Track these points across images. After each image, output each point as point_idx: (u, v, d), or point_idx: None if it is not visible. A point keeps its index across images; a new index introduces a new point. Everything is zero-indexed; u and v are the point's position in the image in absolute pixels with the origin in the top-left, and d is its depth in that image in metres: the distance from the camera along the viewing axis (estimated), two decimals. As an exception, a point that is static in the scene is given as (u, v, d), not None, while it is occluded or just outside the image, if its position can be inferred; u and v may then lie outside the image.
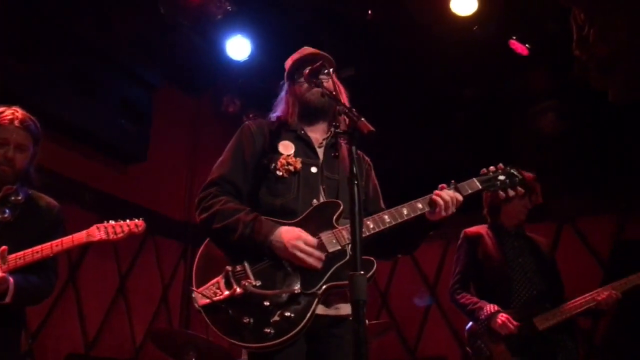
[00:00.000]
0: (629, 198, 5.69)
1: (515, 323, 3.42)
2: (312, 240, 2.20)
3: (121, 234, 3.01)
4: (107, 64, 5.54)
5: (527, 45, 5.35)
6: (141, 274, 6.00)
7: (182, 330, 5.71)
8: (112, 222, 3.07)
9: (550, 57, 5.58)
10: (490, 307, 3.51)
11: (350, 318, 2.22)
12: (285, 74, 2.65)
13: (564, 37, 5.20)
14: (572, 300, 3.57)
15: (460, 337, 6.09)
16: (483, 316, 3.50)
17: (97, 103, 5.41)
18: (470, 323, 3.69)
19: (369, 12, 5.22)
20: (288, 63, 2.63)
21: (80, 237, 2.91)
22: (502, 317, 3.43)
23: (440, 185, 2.41)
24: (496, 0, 5.21)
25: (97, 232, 2.95)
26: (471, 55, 5.59)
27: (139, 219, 3.17)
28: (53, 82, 5.03)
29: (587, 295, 3.56)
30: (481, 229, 3.89)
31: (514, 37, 5.34)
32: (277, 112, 2.61)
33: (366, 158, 2.65)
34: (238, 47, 5.75)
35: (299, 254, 2.16)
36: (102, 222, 2.97)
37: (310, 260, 2.17)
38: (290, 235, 2.18)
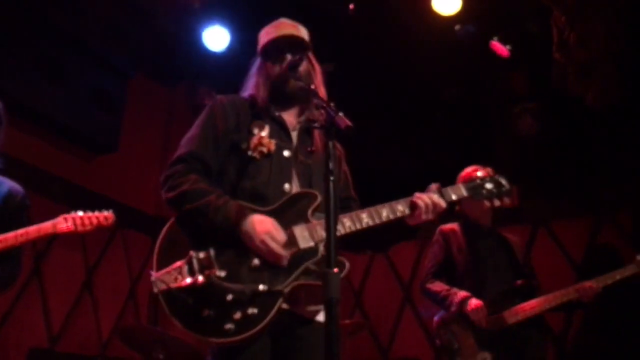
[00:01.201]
0: (603, 203, 5.75)
1: (486, 311, 3.43)
2: (282, 237, 2.09)
3: (89, 226, 2.95)
4: (78, 50, 5.36)
5: (507, 46, 5.36)
6: (109, 267, 5.86)
7: (150, 326, 5.58)
8: (80, 213, 2.99)
9: (531, 59, 5.61)
10: (464, 292, 3.52)
11: (317, 320, 2.18)
12: (259, 48, 2.49)
13: (545, 40, 5.25)
14: (544, 297, 3.55)
15: (432, 338, 6.09)
16: (457, 299, 3.49)
17: (66, 90, 5.23)
18: (440, 313, 3.68)
19: (351, 7, 5.17)
20: (263, 38, 2.48)
21: (46, 227, 2.84)
22: (477, 302, 3.45)
23: (429, 186, 2.32)
24: (479, 0, 5.21)
25: (65, 223, 2.88)
26: (452, 56, 5.58)
27: (108, 211, 3.09)
28: (21, 67, 4.87)
29: (561, 290, 3.55)
30: (456, 226, 3.91)
31: (495, 38, 5.35)
32: (248, 90, 2.47)
33: (338, 146, 2.51)
34: (215, 38, 5.64)
35: (264, 248, 2.05)
36: (69, 213, 2.88)
37: (273, 259, 2.07)
38: (262, 227, 2.07)
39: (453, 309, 3.51)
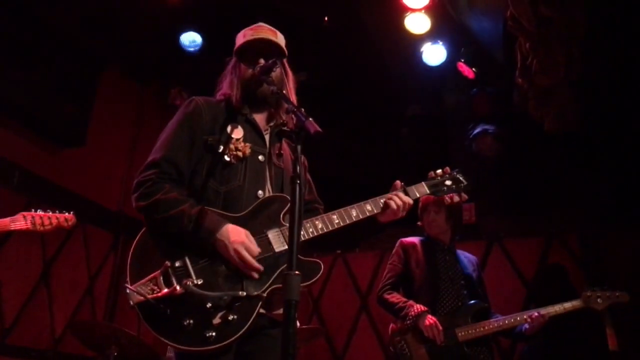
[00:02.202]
0: (555, 224, 5.98)
1: (440, 328, 3.52)
2: (255, 249, 2.12)
3: (49, 227, 2.90)
4: (49, 37, 5.24)
5: (473, 69, 5.56)
6: (67, 262, 5.76)
7: (105, 323, 5.53)
8: (40, 212, 2.93)
9: (494, 82, 5.81)
10: (420, 306, 3.61)
11: None
12: (235, 48, 2.48)
13: (508, 66, 5.46)
14: (496, 319, 3.70)
15: (386, 347, 6.19)
16: (413, 313, 3.58)
17: (34, 80, 5.11)
18: (396, 323, 3.77)
19: (325, 18, 5.27)
20: (240, 39, 2.48)
21: (3, 223, 2.79)
22: (431, 319, 3.54)
23: (394, 183, 2.44)
24: (448, 22, 5.38)
25: (23, 220, 2.83)
26: (419, 73, 5.74)
27: (69, 213, 3.03)
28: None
29: (511, 315, 3.70)
30: (416, 240, 4.02)
31: (462, 60, 5.53)
32: (223, 89, 2.47)
33: (303, 158, 2.54)
34: (191, 40, 5.67)
35: (237, 258, 2.08)
36: (29, 205, 2.85)
37: (245, 270, 2.10)
38: (236, 237, 2.09)
39: (408, 322, 3.59)
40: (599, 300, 3.71)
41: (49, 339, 5.44)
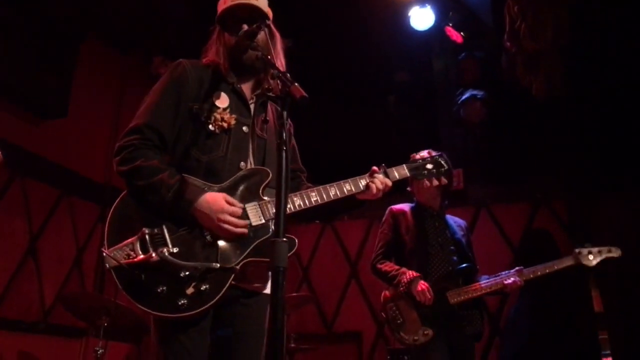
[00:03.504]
0: (541, 190, 6.03)
1: (432, 293, 3.60)
2: (238, 210, 2.13)
3: None
4: (27, 9, 5.10)
5: (461, 33, 5.50)
6: (54, 234, 5.71)
7: (95, 294, 5.54)
8: None
9: (482, 47, 5.76)
10: (413, 272, 3.68)
11: (264, 293, 2.23)
12: (217, 16, 2.44)
13: (496, 30, 5.40)
14: (483, 281, 3.76)
15: (376, 314, 6.28)
16: (405, 279, 3.65)
17: (12, 51, 4.97)
18: (387, 289, 3.83)
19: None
20: (220, 6, 2.44)
21: None
22: (423, 284, 3.61)
23: (372, 168, 2.42)
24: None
25: None
26: (407, 38, 5.67)
27: None
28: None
29: (496, 277, 3.77)
30: (406, 206, 4.05)
31: (450, 24, 5.47)
32: (209, 57, 2.41)
33: (288, 120, 2.54)
34: (174, 6, 5.54)
35: (225, 225, 2.09)
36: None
37: (237, 231, 2.11)
38: (217, 206, 2.09)
39: (401, 288, 3.66)
40: (590, 256, 3.72)
41: (38, 311, 5.44)
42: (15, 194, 5.34)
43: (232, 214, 2.11)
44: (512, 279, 3.71)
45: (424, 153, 3.50)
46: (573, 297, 5.33)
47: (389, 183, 2.41)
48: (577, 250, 3.75)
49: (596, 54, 5.40)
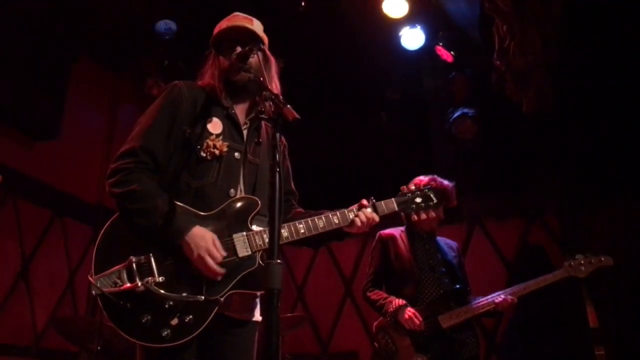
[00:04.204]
0: (534, 206, 6.05)
1: (420, 319, 3.57)
2: (220, 254, 2.12)
3: None
4: (20, 30, 5.10)
5: (452, 52, 5.56)
6: (46, 256, 5.68)
7: (88, 317, 5.48)
8: None
9: (472, 65, 5.82)
10: (399, 301, 3.66)
11: (252, 321, 2.24)
12: (212, 40, 2.47)
13: (486, 48, 5.47)
14: (475, 302, 3.73)
15: (372, 333, 6.24)
16: (391, 309, 3.64)
17: (4, 71, 4.97)
18: (379, 319, 3.81)
19: (302, 3, 5.22)
20: (216, 30, 2.46)
21: None
22: (409, 311, 3.59)
23: (360, 201, 2.43)
24: (426, 6, 5.37)
25: None
26: (398, 57, 5.73)
27: None
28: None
29: (488, 297, 3.73)
30: (395, 231, 4.04)
31: (441, 44, 5.53)
32: (205, 80, 2.44)
33: (282, 138, 2.45)
34: (166, 27, 5.57)
35: (202, 263, 2.08)
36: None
37: (209, 274, 2.10)
38: (202, 242, 2.09)
39: (388, 318, 3.66)
40: (582, 267, 3.68)
41: (30, 335, 5.38)
42: (8, 215, 5.31)
43: (212, 257, 2.09)
44: (502, 296, 3.68)
45: (416, 182, 3.49)
46: (568, 312, 5.32)
47: (376, 218, 2.41)
48: (567, 262, 3.72)
49: (584, 69, 5.47)
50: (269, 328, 1.63)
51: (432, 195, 2.59)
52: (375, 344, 3.78)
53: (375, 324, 3.84)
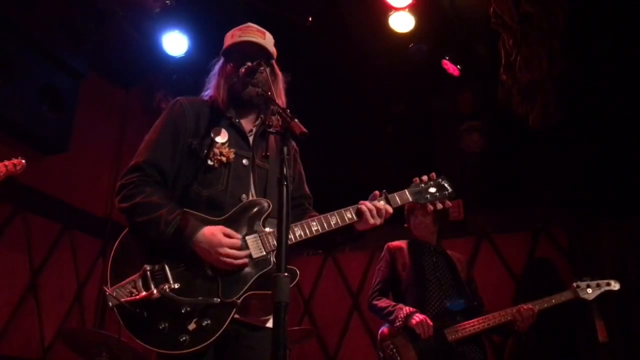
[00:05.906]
0: (541, 219, 6.03)
1: (430, 324, 3.52)
2: (237, 241, 2.13)
3: None
4: (29, 46, 5.15)
5: (458, 66, 5.59)
6: (55, 269, 5.70)
7: (95, 330, 5.48)
8: None
9: (478, 79, 5.84)
10: (409, 308, 3.62)
11: (268, 327, 2.21)
12: (223, 49, 2.48)
13: (492, 62, 5.50)
14: (484, 317, 3.68)
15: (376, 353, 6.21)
16: (402, 314, 3.59)
17: (14, 86, 5.01)
18: (384, 326, 3.78)
19: (309, 19, 5.27)
20: (228, 40, 2.48)
21: None
22: (420, 316, 3.55)
23: (373, 193, 2.39)
24: (432, 20, 5.40)
25: None
26: (404, 72, 5.76)
27: (18, 159, 2.97)
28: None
29: (501, 311, 3.68)
30: (403, 243, 4.04)
31: (447, 58, 5.56)
32: (210, 91, 2.48)
33: (293, 143, 2.49)
34: (174, 43, 5.64)
35: (224, 259, 2.08)
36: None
37: (238, 263, 2.11)
38: (215, 240, 2.09)
39: (398, 323, 3.60)
40: (589, 290, 3.68)
41: (38, 348, 5.38)
42: (17, 229, 5.35)
43: (231, 247, 2.10)
44: (525, 306, 3.60)
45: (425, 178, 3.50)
46: (577, 328, 5.28)
47: (390, 210, 2.34)
48: (575, 284, 3.71)
49: (591, 83, 5.48)
50: (276, 342, 1.64)
51: (446, 185, 2.50)
52: (380, 353, 3.74)
53: (380, 331, 3.80)
